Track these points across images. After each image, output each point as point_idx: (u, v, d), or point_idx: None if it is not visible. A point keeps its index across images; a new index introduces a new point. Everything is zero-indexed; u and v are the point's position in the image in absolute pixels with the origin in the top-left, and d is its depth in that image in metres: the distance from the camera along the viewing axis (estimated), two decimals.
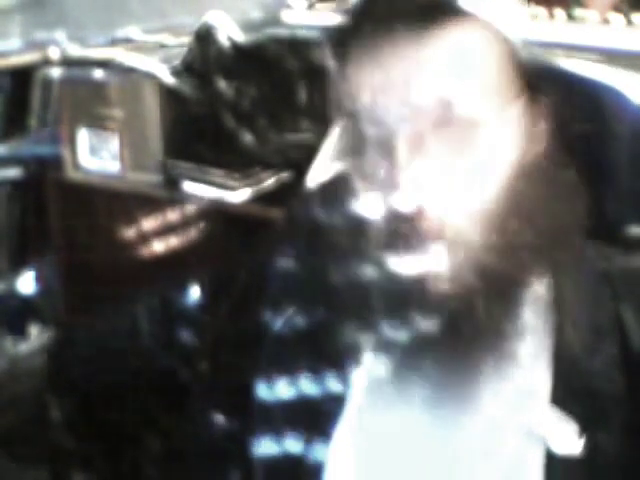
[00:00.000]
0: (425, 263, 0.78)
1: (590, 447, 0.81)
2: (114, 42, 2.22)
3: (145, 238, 1.86)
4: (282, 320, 0.93)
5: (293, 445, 0.89)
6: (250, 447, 0.91)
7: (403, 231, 0.78)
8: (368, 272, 0.80)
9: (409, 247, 0.78)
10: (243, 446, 0.92)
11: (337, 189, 0.85)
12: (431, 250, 0.78)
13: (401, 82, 0.77)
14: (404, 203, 0.77)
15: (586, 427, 0.82)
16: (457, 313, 0.80)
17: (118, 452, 1.12)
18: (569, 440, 0.81)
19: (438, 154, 0.78)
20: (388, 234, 0.79)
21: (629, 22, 1.98)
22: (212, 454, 0.97)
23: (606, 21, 2.00)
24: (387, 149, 0.78)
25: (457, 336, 0.80)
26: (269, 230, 1.08)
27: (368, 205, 0.81)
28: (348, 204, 0.82)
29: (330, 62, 0.82)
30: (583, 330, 0.85)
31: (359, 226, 0.81)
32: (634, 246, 0.94)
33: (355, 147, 0.82)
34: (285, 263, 0.95)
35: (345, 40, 0.81)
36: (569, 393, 0.83)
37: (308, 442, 0.88)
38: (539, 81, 0.84)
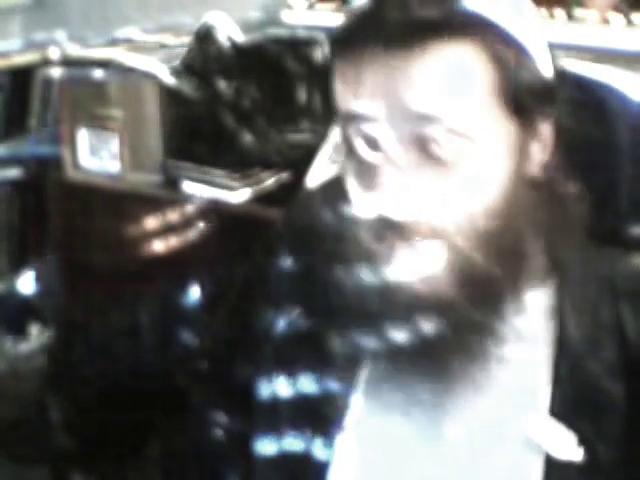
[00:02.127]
0: (412, 268, 0.79)
1: (589, 454, 0.81)
2: (114, 42, 2.22)
3: (145, 238, 1.86)
4: (284, 320, 0.93)
5: (295, 444, 0.89)
6: (251, 447, 0.91)
7: (390, 237, 0.79)
8: (356, 277, 0.81)
9: (395, 253, 0.79)
10: (243, 447, 0.92)
11: (335, 191, 0.86)
12: (418, 256, 0.79)
13: (390, 93, 0.77)
14: (392, 210, 0.78)
15: (585, 432, 0.81)
16: (443, 319, 0.80)
17: (118, 452, 1.12)
18: (568, 447, 0.81)
19: (426, 165, 0.79)
20: (376, 239, 0.79)
21: (629, 22, 1.98)
22: (212, 455, 0.97)
23: (606, 21, 2.00)
24: (376, 156, 0.80)
25: (445, 343, 0.80)
26: (269, 230, 1.08)
27: (359, 209, 0.81)
28: (343, 206, 0.83)
29: (330, 62, 0.83)
30: (584, 334, 0.85)
31: (350, 230, 0.82)
32: (635, 247, 0.94)
33: (348, 149, 0.82)
34: (287, 263, 0.95)
35: (342, 43, 0.81)
36: (569, 398, 0.83)
37: (310, 441, 0.88)
38: (545, 96, 0.84)
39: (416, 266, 0.79)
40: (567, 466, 0.81)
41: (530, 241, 0.83)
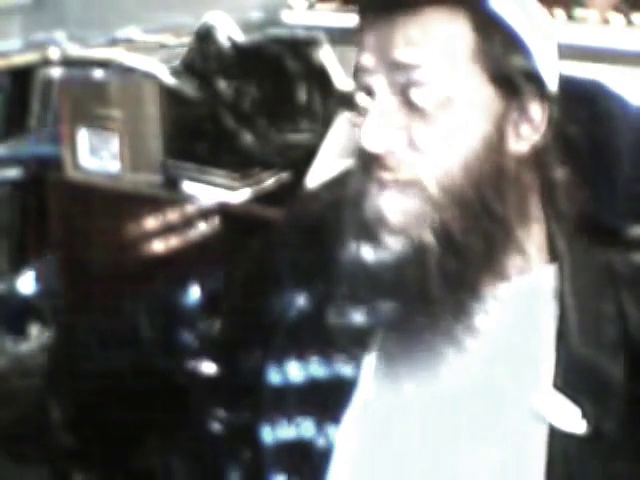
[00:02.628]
0: (385, 205, 0.86)
1: (591, 427, 0.84)
2: (114, 42, 2.23)
3: (145, 238, 1.86)
4: (294, 307, 0.95)
5: (304, 429, 0.90)
6: (255, 439, 0.92)
7: (368, 169, 0.88)
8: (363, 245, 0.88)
9: (376, 189, 0.87)
10: (247, 440, 0.93)
11: (343, 184, 0.94)
12: (390, 194, 0.87)
13: (383, 47, 0.88)
14: (365, 142, 0.87)
15: (586, 406, 0.84)
16: (415, 265, 0.85)
17: (118, 452, 1.12)
18: (572, 419, 0.84)
19: (407, 111, 0.88)
20: (360, 172, 0.89)
21: (629, 22, 1.99)
22: (213, 452, 0.97)
23: (606, 21, 2.00)
24: (369, 101, 0.89)
25: (421, 292, 0.85)
26: (271, 229, 1.09)
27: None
28: (354, 199, 0.90)
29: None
30: (584, 318, 0.88)
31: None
32: (634, 247, 0.94)
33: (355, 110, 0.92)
34: (292, 250, 0.99)
35: (357, 9, 0.93)
36: (570, 375, 0.85)
37: (318, 426, 0.90)
38: (532, 77, 0.89)
39: (398, 203, 0.86)
40: (570, 437, 0.83)
41: (508, 213, 0.88)
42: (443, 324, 0.86)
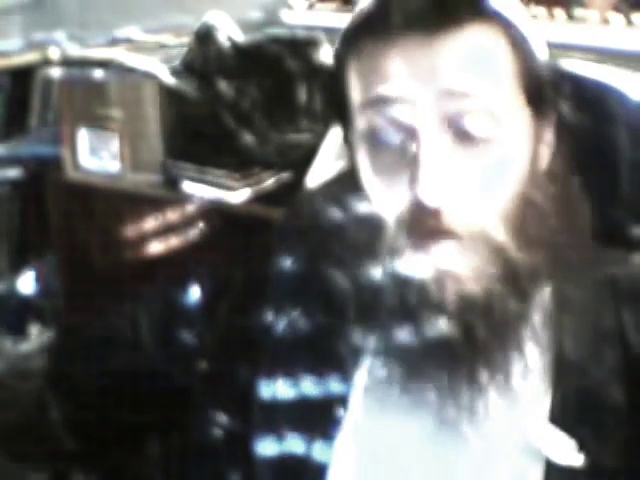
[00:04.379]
0: (441, 261, 0.78)
1: (589, 459, 0.80)
2: (114, 42, 2.22)
3: (145, 238, 1.86)
4: (284, 322, 0.92)
5: (296, 446, 0.88)
6: (251, 447, 0.91)
7: (421, 227, 0.78)
8: (377, 273, 0.80)
9: (425, 245, 0.78)
10: (244, 447, 0.92)
11: (343, 187, 0.86)
12: (448, 248, 0.78)
13: (421, 72, 0.78)
14: (426, 198, 0.77)
15: (586, 438, 0.81)
16: (471, 316, 0.79)
17: (118, 452, 1.12)
18: (568, 452, 0.81)
19: (457, 153, 0.79)
20: (405, 230, 0.79)
21: (629, 22, 1.99)
22: (213, 454, 0.97)
23: (606, 21, 2.00)
24: (408, 143, 0.79)
25: (468, 341, 0.79)
26: (269, 230, 1.08)
27: (381, 204, 0.81)
28: (355, 203, 0.83)
29: (341, 54, 0.83)
30: (584, 339, 0.84)
31: (368, 226, 0.81)
32: (636, 248, 0.94)
33: (369, 140, 0.82)
34: (288, 263, 0.95)
35: (363, 30, 0.82)
36: (569, 403, 0.82)
37: (309, 443, 0.87)
38: (549, 91, 0.85)
39: (444, 257, 0.78)
40: (568, 471, 0.80)
41: (546, 233, 0.83)
42: (475, 366, 0.80)
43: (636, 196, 0.97)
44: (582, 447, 0.80)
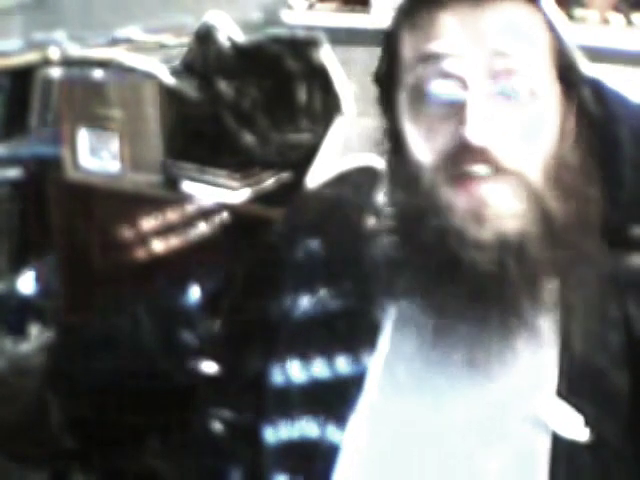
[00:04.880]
0: (482, 199, 0.84)
1: (594, 434, 0.83)
2: (114, 42, 2.22)
3: (145, 238, 1.86)
4: (303, 305, 0.94)
5: (308, 429, 0.90)
6: (257, 439, 0.92)
7: (465, 167, 0.85)
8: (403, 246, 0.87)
9: (467, 184, 0.85)
10: (249, 440, 0.93)
11: (363, 176, 0.98)
12: (489, 187, 0.85)
13: (470, 33, 0.87)
14: (473, 136, 0.84)
15: (590, 414, 0.84)
16: (506, 254, 0.84)
17: (118, 452, 1.12)
18: (575, 427, 0.83)
19: (500, 104, 0.87)
20: (448, 171, 0.86)
21: (629, 22, 1.99)
22: (214, 452, 0.97)
23: (606, 21, 2.00)
24: (456, 91, 0.87)
25: (501, 280, 0.84)
26: (272, 228, 1.08)
27: (423, 153, 0.87)
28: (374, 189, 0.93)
29: (397, 21, 0.92)
30: (589, 327, 0.87)
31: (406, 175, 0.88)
32: (637, 247, 0.94)
33: (418, 93, 0.89)
34: (310, 246, 0.98)
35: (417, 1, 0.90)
36: (574, 383, 0.85)
37: (323, 426, 0.89)
38: (574, 76, 0.92)
39: (490, 197, 0.84)
40: (574, 445, 0.83)
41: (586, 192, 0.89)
42: (509, 314, 0.84)
43: (636, 196, 0.97)
44: (587, 422, 0.84)
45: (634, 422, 0.84)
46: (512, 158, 0.85)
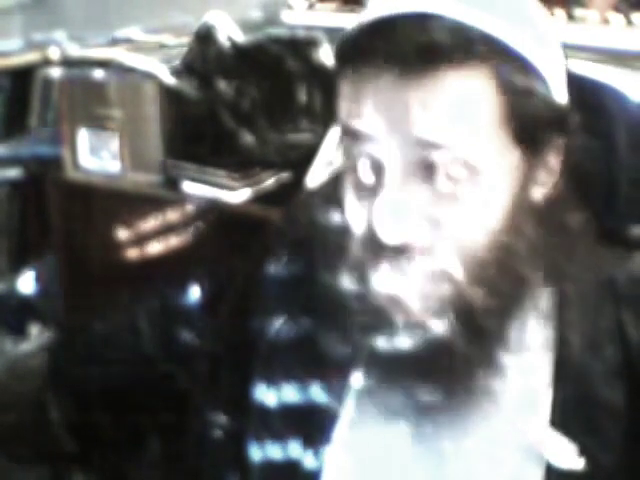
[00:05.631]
0: (391, 286, 0.77)
1: (590, 462, 0.80)
2: (114, 42, 2.22)
3: (145, 238, 1.86)
4: (274, 327, 0.91)
5: (289, 450, 0.88)
6: (248, 449, 0.91)
7: (379, 252, 0.77)
8: (350, 283, 0.80)
9: (381, 267, 0.78)
10: (242, 448, 0.92)
11: (332, 191, 0.85)
12: (399, 277, 0.77)
13: (396, 115, 0.75)
14: (380, 233, 0.76)
15: (586, 440, 0.81)
16: (424, 345, 0.78)
17: (118, 452, 1.12)
18: (568, 455, 0.80)
19: (426, 193, 0.77)
20: (366, 251, 0.78)
21: (629, 22, 1.98)
22: (212, 455, 0.97)
23: (606, 21, 2.00)
24: (377, 171, 0.78)
25: (444, 354, 0.79)
26: (268, 230, 1.08)
27: (352, 220, 0.80)
28: (338, 209, 0.82)
29: (336, 68, 0.81)
30: (584, 340, 0.84)
31: (344, 234, 0.81)
32: (635, 248, 0.94)
33: (348, 162, 0.81)
34: (278, 268, 0.94)
35: (348, 53, 0.79)
36: (569, 406, 0.82)
37: (300, 450, 0.87)
38: (555, 125, 0.82)
39: (398, 286, 0.77)
40: (568, 475, 0.80)
41: (531, 266, 0.81)
42: (462, 370, 0.80)
43: (635, 197, 0.97)
44: (582, 450, 0.80)
45: (631, 444, 0.81)
46: (432, 253, 0.77)
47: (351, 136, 0.78)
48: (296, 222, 0.96)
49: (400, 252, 0.76)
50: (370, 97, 0.75)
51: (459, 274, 0.77)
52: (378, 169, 0.77)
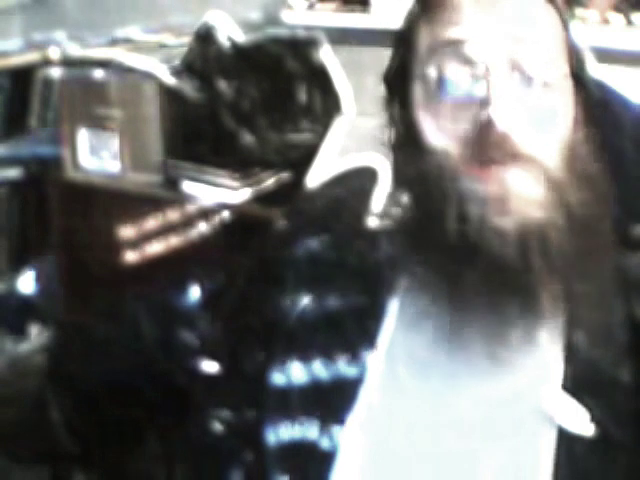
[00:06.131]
0: (505, 185, 0.84)
1: (599, 429, 0.83)
2: (114, 42, 2.22)
3: (145, 238, 1.86)
4: (303, 304, 0.94)
5: (307, 431, 0.89)
6: (258, 440, 0.92)
7: (487, 152, 0.84)
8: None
9: (489, 170, 0.84)
10: (249, 440, 0.93)
11: (363, 176, 0.98)
12: (513, 173, 0.84)
13: (489, 19, 0.87)
14: (498, 120, 0.83)
15: (595, 410, 0.83)
16: (528, 241, 0.83)
17: (118, 452, 1.12)
18: (580, 422, 0.83)
19: (520, 91, 0.86)
20: (470, 158, 0.85)
21: (629, 22, 1.98)
22: (214, 453, 0.97)
23: (606, 21, 2.00)
24: (477, 78, 0.86)
25: (523, 267, 0.83)
26: (271, 228, 1.08)
27: (437, 140, 0.87)
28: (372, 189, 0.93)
29: (415, 11, 0.92)
30: (594, 323, 0.87)
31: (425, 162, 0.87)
32: (637, 248, 0.94)
33: (435, 83, 0.88)
34: (308, 248, 0.98)
35: None
36: (580, 379, 0.85)
37: (323, 428, 0.88)
38: (583, 73, 0.93)
39: (514, 182, 0.84)
40: (578, 439, 0.83)
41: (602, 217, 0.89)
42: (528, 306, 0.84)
43: (635, 196, 0.98)
44: (592, 418, 0.83)
45: (638, 420, 0.84)
46: (531, 145, 0.85)
47: (447, 46, 0.88)
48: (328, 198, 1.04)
49: (507, 142, 0.84)
50: (468, 7, 0.88)
51: (556, 166, 0.85)
52: (482, 68, 0.86)
